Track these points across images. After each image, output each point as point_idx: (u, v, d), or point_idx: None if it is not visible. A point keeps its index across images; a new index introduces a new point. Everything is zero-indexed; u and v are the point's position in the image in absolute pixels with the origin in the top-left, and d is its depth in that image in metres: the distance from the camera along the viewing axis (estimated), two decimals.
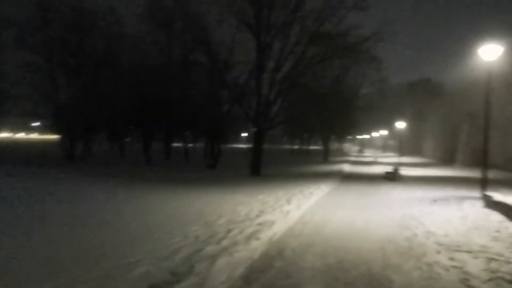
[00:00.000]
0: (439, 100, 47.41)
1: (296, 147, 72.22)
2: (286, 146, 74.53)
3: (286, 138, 71.29)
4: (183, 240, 6.20)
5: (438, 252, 5.92)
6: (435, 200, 11.40)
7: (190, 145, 66.38)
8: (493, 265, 5.11)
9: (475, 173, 27.01)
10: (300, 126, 46.96)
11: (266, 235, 6.67)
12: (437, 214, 9.03)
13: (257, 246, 5.94)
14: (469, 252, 5.87)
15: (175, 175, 22.46)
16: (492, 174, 24.83)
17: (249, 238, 6.34)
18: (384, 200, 12.06)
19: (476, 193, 13.33)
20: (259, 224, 7.42)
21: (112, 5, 30.47)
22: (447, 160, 39.84)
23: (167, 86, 30.34)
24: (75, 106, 28.06)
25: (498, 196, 8.87)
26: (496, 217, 8.25)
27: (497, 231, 7.08)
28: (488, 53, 11.03)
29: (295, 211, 9.16)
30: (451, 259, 5.52)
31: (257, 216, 8.35)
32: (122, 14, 31.25)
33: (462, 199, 11.45)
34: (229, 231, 6.83)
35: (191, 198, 11.58)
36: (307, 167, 31.67)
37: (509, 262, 5.21)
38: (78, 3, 28.35)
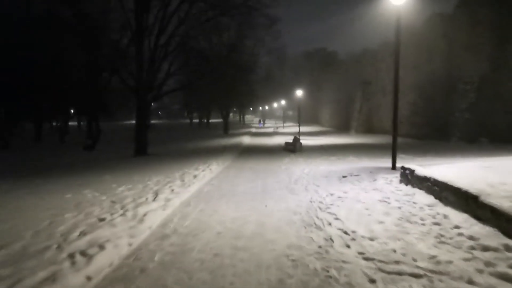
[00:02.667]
0: (334, 69, 48.04)
1: (195, 121, 68.72)
2: (187, 121, 70.55)
3: (186, 112, 67.12)
4: None
5: (372, 282, 3.52)
6: (344, 176, 9.43)
7: (75, 123, 58.05)
8: None
9: (369, 139, 27.28)
10: (197, 98, 43.63)
11: (69, 283, 3.49)
12: (352, 198, 6.87)
13: None
14: (418, 276, 3.57)
15: (34, 162, 17.71)
16: (384, 139, 25.26)
17: None
18: (285, 180, 9.76)
19: (383, 163, 11.96)
20: (71, 255, 4.09)
21: None
22: (343, 127, 40.57)
23: (27, 48, 24.24)
24: None
25: (421, 170, 6.99)
26: (422, 198, 6.33)
27: (437, 224, 5.04)
28: None
29: (158, 213, 6.03)
30: None
31: (84, 232, 4.94)
32: None
33: (372, 173, 9.68)
34: None
35: None
36: (205, 141, 28.82)
37: None
38: None
